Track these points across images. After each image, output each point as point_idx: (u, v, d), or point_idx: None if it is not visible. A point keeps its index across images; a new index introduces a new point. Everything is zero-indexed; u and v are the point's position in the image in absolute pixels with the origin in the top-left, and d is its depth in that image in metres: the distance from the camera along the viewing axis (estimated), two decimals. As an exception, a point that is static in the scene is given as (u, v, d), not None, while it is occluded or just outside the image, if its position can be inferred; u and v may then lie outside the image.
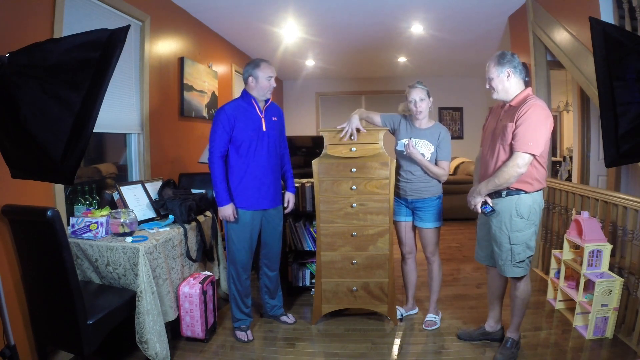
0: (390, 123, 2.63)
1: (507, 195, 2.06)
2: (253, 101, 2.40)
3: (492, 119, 2.22)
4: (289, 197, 2.65)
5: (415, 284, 2.79)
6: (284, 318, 2.74)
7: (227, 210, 2.35)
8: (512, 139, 1.98)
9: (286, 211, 2.66)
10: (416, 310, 2.85)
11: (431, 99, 2.50)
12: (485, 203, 2.10)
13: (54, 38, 2.03)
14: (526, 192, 2.04)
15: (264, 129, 2.40)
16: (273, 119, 2.47)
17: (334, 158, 2.55)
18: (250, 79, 2.36)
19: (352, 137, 2.49)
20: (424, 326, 2.63)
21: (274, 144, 2.46)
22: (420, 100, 2.45)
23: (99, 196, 2.66)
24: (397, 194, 2.59)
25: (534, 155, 1.96)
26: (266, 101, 2.45)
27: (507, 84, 2.05)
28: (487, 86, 2.12)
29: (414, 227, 2.65)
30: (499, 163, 2.05)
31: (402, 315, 2.76)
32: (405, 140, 2.50)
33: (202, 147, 3.76)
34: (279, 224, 2.60)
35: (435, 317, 2.67)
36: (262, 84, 2.36)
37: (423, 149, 2.49)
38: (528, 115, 1.93)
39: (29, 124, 1.19)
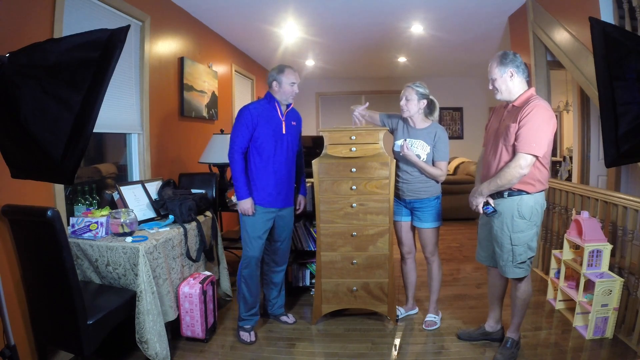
0: (388, 123, 2.64)
1: (509, 195, 2.06)
2: (276, 104, 2.48)
3: (495, 119, 2.21)
4: (301, 200, 2.77)
5: (415, 284, 2.79)
6: (284, 318, 2.75)
7: (246, 204, 2.42)
8: (515, 139, 1.97)
9: (297, 212, 2.76)
10: (416, 310, 2.85)
11: (424, 101, 2.49)
12: (487, 203, 2.10)
13: (54, 38, 2.03)
14: (528, 193, 2.03)
15: (284, 131, 2.48)
16: (292, 123, 2.56)
17: (334, 158, 2.55)
18: (274, 83, 2.45)
19: (357, 123, 2.59)
20: (424, 326, 2.63)
21: (292, 147, 2.55)
22: (406, 100, 2.48)
23: (99, 196, 2.66)
24: (396, 195, 2.59)
25: (536, 157, 1.95)
26: (287, 105, 2.53)
27: (510, 84, 2.05)
28: (490, 87, 2.11)
29: (413, 227, 2.65)
30: (501, 164, 2.05)
31: (400, 315, 2.76)
32: (400, 141, 2.50)
33: (202, 147, 3.76)
34: (290, 222, 2.68)
35: (435, 317, 2.67)
36: (285, 89, 2.44)
37: (419, 149, 2.49)
38: (531, 116, 1.92)
39: (29, 124, 1.19)
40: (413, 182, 2.51)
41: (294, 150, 2.58)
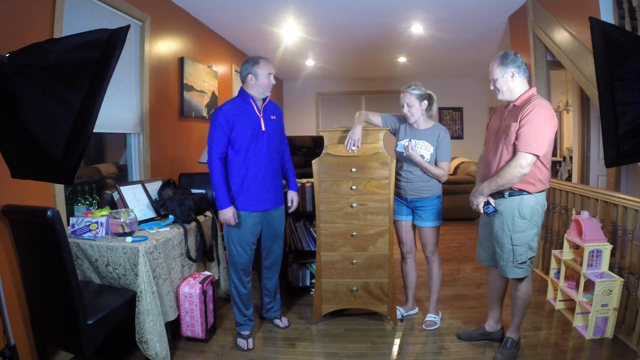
0: (390, 124, 2.63)
1: (509, 195, 2.05)
2: (251, 100, 2.34)
3: (496, 118, 2.21)
4: (292, 196, 2.60)
5: (415, 283, 2.79)
6: (277, 321, 2.71)
7: (227, 214, 2.28)
8: (516, 139, 1.97)
9: (290, 210, 2.62)
10: (416, 310, 2.85)
11: (425, 102, 2.48)
12: (487, 203, 2.10)
13: (54, 38, 2.03)
14: (529, 193, 2.03)
15: (263, 128, 2.33)
16: (272, 117, 2.40)
17: (334, 158, 2.55)
18: (250, 76, 2.30)
19: (352, 149, 2.46)
20: (424, 326, 2.63)
21: (274, 144, 2.41)
22: (408, 106, 2.47)
23: (99, 196, 2.66)
24: (398, 194, 2.59)
25: (537, 156, 1.95)
26: (264, 100, 2.39)
27: (512, 84, 2.04)
28: (492, 87, 2.11)
29: (414, 227, 2.66)
30: (502, 163, 2.05)
31: (402, 315, 2.76)
32: (404, 142, 2.50)
33: (202, 147, 3.76)
34: (281, 225, 2.56)
35: (435, 317, 2.67)
36: (262, 82, 2.30)
37: (422, 150, 2.49)
38: (532, 116, 1.92)
39: (29, 124, 1.19)
40: (415, 181, 2.51)
41: (277, 146, 2.43)
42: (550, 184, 3.28)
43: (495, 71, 2.05)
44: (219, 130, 2.27)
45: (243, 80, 2.35)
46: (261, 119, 2.35)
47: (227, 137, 2.29)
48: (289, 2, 3.83)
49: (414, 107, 2.46)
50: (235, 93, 5.46)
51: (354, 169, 2.52)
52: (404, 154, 2.49)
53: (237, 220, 2.33)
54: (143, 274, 2.08)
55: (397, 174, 2.57)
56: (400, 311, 2.76)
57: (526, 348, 2.33)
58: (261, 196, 2.37)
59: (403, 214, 2.63)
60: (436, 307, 2.72)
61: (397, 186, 2.58)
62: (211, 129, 2.31)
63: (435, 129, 2.52)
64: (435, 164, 2.51)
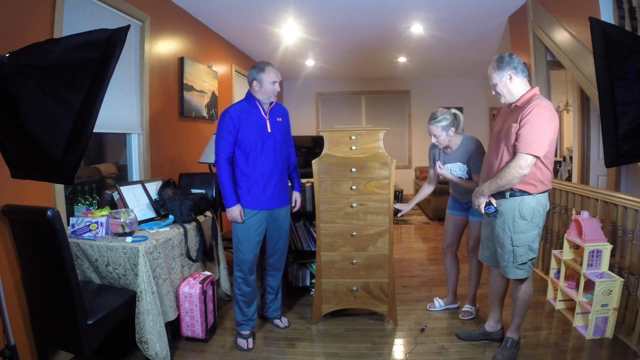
0: (432, 160, 2.77)
1: (510, 196, 2.05)
2: (257, 103, 2.40)
3: (499, 119, 2.21)
4: (296, 197, 2.69)
5: (456, 279, 2.90)
6: (276, 322, 2.72)
7: (234, 212, 2.35)
8: (516, 139, 1.96)
9: (294, 210, 2.69)
10: (456, 305, 2.93)
11: (452, 129, 2.53)
12: (489, 204, 2.10)
13: (54, 38, 2.02)
14: (530, 194, 2.03)
15: (269, 130, 2.40)
16: (278, 119, 2.47)
17: (334, 158, 2.55)
18: (255, 82, 2.37)
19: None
20: (460, 316, 2.76)
21: (280, 145, 2.46)
22: (436, 137, 2.56)
23: (99, 196, 2.66)
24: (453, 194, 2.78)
25: (537, 157, 1.94)
26: (270, 102, 2.46)
27: (511, 86, 2.04)
28: (493, 92, 2.12)
29: (464, 226, 2.78)
30: (502, 164, 2.05)
31: (439, 307, 2.90)
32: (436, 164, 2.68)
33: (202, 147, 3.76)
34: (286, 223, 2.60)
35: (471, 308, 2.79)
36: (266, 88, 2.36)
37: (457, 171, 2.62)
38: (532, 116, 1.92)
39: (29, 124, 1.19)
40: (460, 189, 2.65)
41: (283, 147, 2.49)
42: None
43: (493, 76, 2.06)
44: (225, 131, 2.34)
45: (249, 84, 2.43)
46: (267, 120, 2.41)
47: (234, 138, 2.36)
48: (289, 2, 3.83)
49: (441, 138, 2.55)
50: (235, 93, 5.47)
51: (354, 169, 2.52)
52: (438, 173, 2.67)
53: (244, 218, 2.38)
54: (143, 274, 2.08)
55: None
56: (439, 303, 2.90)
57: (526, 348, 2.33)
58: (267, 195, 2.42)
59: (456, 209, 2.77)
60: (473, 298, 2.81)
61: (451, 188, 2.78)
62: (218, 130, 2.38)
63: (462, 145, 2.58)
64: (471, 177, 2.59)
